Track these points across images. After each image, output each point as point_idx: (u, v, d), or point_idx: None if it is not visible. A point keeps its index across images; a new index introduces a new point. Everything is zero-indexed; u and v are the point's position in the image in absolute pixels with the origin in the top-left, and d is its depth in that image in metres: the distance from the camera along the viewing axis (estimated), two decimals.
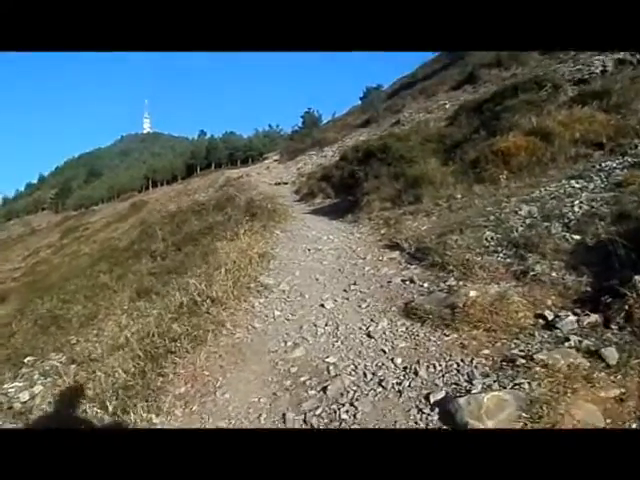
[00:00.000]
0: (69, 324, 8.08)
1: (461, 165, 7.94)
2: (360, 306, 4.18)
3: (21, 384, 5.51)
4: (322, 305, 4.31)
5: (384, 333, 3.53)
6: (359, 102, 32.49)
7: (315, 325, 3.89)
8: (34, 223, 61.00)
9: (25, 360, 6.56)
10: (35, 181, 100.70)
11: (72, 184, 74.32)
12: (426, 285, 4.33)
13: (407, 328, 3.54)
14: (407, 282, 4.56)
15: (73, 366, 5.66)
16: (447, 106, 17.48)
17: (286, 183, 19.88)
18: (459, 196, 7.03)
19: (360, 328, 3.71)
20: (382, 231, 7.18)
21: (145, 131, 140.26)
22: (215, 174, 37.87)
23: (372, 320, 3.81)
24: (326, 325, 3.86)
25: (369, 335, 3.54)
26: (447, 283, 4.17)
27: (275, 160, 32.53)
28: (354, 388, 2.88)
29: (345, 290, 4.70)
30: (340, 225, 8.77)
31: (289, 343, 3.61)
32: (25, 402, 4.96)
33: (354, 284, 4.79)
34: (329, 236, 7.66)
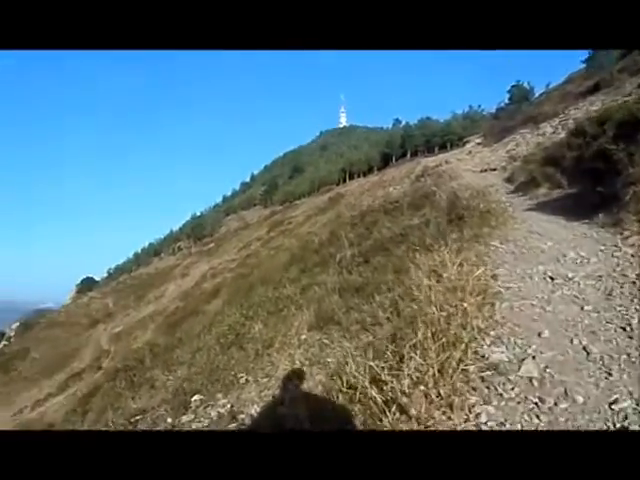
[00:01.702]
0: (248, 347, 7.22)
1: None
2: None
3: None
4: None
5: None
6: (581, 67, 27.10)
7: None
8: (247, 218, 68.14)
9: (192, 399, 5.74)
10: (248, 180, 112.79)
11: (278, 180, 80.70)
12: None
13: None
14: None
15: (232, 426, 4.51)
16: None
17: (494, 169, 17.03)
18: None
19: None
20: None
21: (341, 125, 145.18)
22: (411, 163, 36.17)
23: None
24: None
25: None
26: None
27: (478, 143, 29.25)
28: None
29: None
30: (588, 230, 6.16)
31: None
32: None
33: None
34: (577, 250, 5.22)
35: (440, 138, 49.36)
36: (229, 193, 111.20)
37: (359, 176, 56.52)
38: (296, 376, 4.74)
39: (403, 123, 70.64)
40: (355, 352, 3.77)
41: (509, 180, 13.04)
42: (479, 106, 52.15)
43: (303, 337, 6.37)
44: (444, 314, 3.17)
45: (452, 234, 7.05)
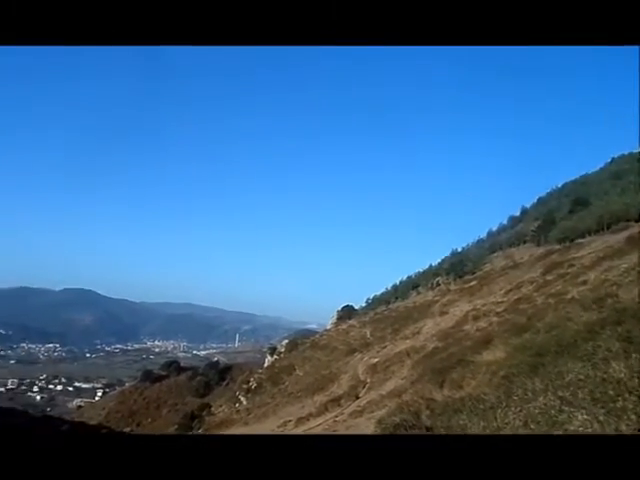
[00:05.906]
0: None
1: None
2: None
3: None
4: None
5: None
6: None
7: None
8: (516, 256, 63.85)
9: None
10: (518, 214, 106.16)
11: (555, 215, 73.57)
12: None
13: None
14: None
15: None
16: None
17: None
18: None
19: None
20: None
21: None
22: None
23: None
24: None
25: None
26: None
27: None
28: None
29: None
30: None
31: None
32: None
33: None
34: None
35: None
36: (495, 228, 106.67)
37: None
38: None
39: None
40: None
41: None
42: None
43: None
44: None
45: None
